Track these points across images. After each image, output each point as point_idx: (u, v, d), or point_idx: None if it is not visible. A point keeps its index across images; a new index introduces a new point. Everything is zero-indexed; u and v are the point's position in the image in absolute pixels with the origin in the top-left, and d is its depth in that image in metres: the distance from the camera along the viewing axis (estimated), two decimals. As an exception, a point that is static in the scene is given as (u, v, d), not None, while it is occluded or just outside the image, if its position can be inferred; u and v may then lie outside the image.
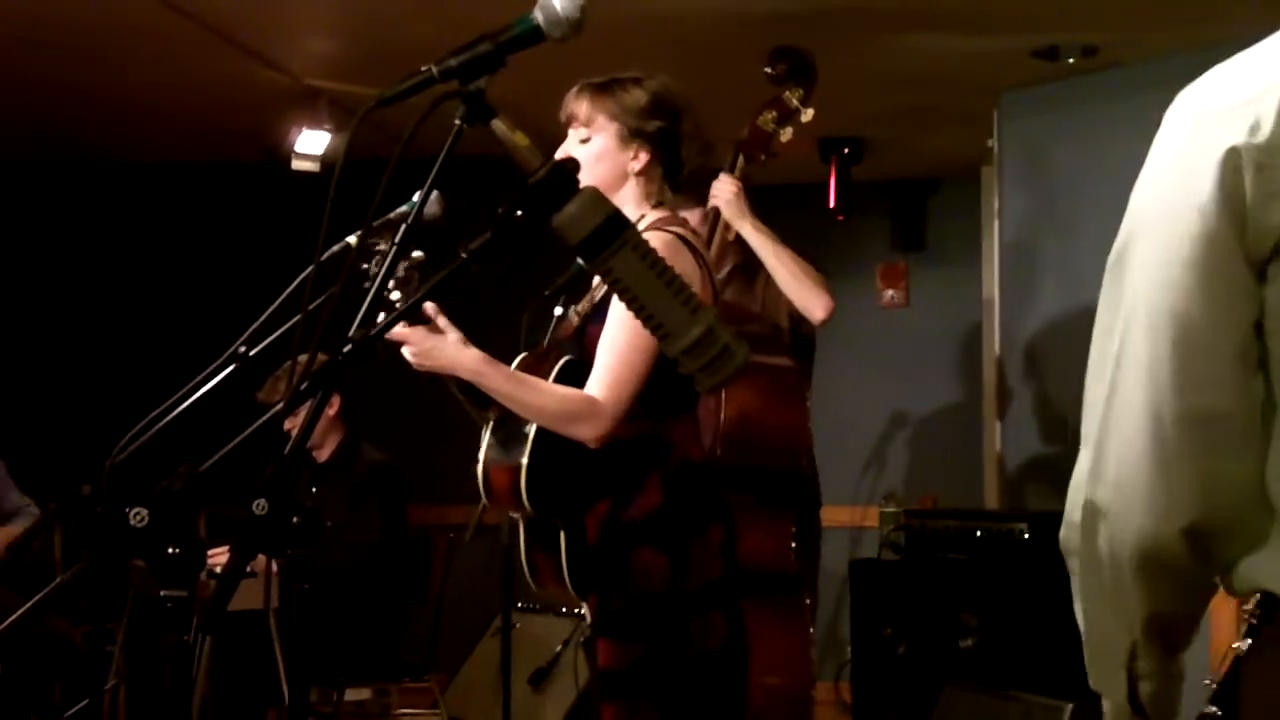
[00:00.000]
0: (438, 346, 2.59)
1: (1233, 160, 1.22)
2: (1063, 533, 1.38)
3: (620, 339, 2.60)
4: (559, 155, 2.74)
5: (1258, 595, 1.32)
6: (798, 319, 4.12)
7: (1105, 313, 1.33)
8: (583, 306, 2.81)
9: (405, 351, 2.60)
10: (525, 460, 2.71)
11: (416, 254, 2.60)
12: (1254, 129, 1.22)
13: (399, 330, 2.54)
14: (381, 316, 1.57)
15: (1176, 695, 1.39)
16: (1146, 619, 1.33)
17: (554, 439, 2.68)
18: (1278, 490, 1.27)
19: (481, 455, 2.79)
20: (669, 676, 2.64)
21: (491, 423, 2.78)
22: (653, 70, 2.82)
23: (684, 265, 2.63)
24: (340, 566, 4.87)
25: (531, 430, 2.72)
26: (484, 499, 2.84)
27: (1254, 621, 1.32)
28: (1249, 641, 1.35)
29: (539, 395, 2.63)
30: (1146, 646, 1.35)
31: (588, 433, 2.61)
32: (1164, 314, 1.26)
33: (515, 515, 2.88)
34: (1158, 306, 1.26)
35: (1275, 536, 1.27)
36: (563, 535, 2.77)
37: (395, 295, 2.58)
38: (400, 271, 2.62)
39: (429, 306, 2.61)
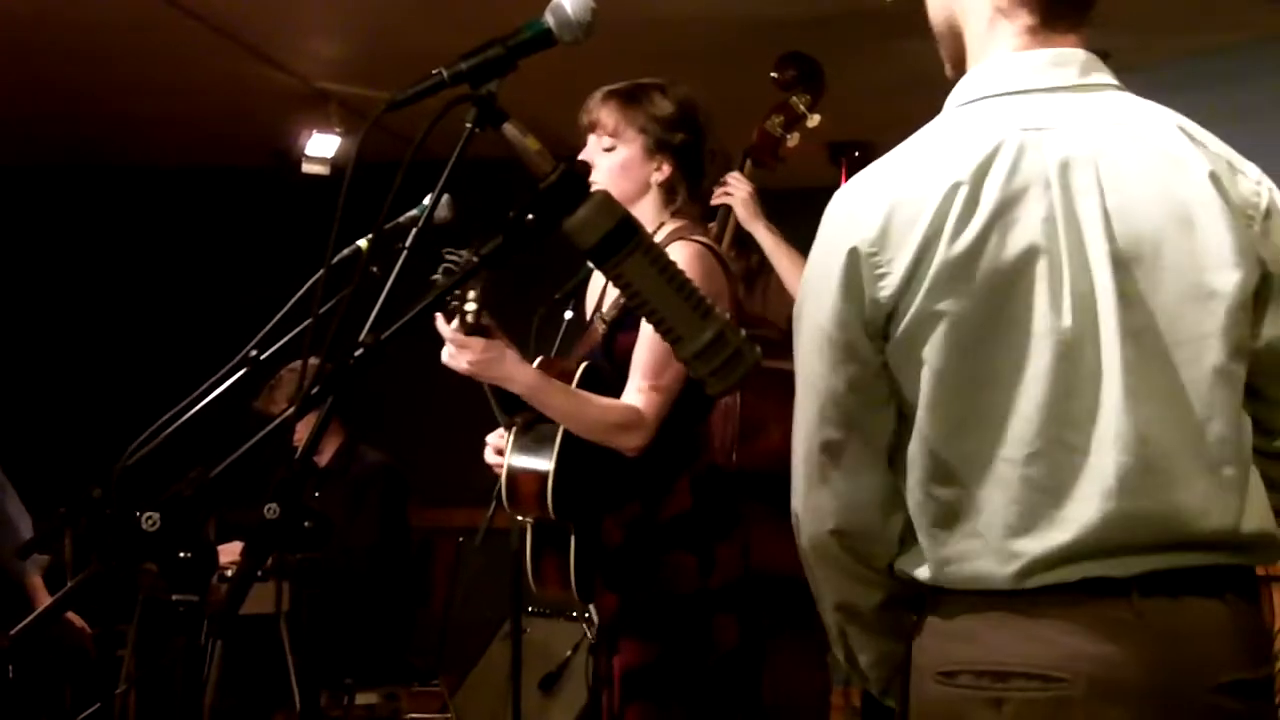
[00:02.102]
0: (498, 360, 2.58)
1: (852, 257, 1.59)
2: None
3: (659, 348, 2.60)
4: (581, 161, 2.73)
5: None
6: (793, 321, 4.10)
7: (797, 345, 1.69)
8: (609, 313, 2.80)
9: (460, 358, 2.58)
10: (552, 467, 2.71)
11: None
12: (867, 228, 1.58)
13: (459, 337, 2.55)
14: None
15: (884, 665, 1.73)
16: (835, 604, 1.72)
17: (580, 445, 2.70)
18: (908, 499, 1.62)
19: (505, 461, 2.78)
20: (691, 676, 2.66)
21: (515, 428, 2.78)
22: (671, 77, 2.82)
23: (717, 278, 2.69)
24: (337, 570, 4.86)
25: (558, 436, 2.72)
26: (505, 504, 2.82)
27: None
28: None
29: (591, 409, 2.65)
30: (851, 627, 1.73)
31: (630, 443, 2.64)
32: (811, 370, 1.64)
33: (524, 518, 2.87)
34: (807, 364, 1.65)
35: (908, 539, 1.64)
36: (573, 538, 2.77)
37: (470, 307, 2.57)
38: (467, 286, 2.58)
39: (486, 320, 2.60)
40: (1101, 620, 1.52)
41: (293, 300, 2.49)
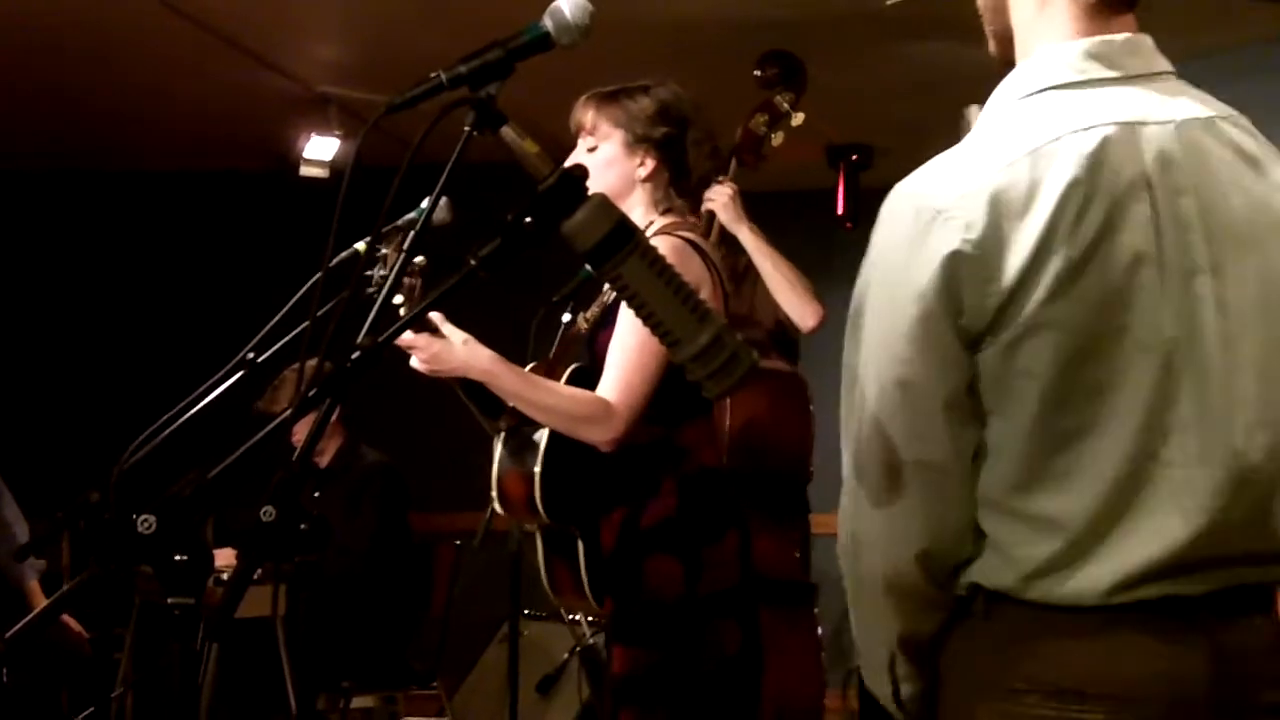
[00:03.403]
0: (446, 350, 2.56)
1: (954, 260, 1.46)
2: (839, 555, 1.62)
3: (631, 342, 2.58)
4: (568, 164, 2.71)
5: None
6: (782, 322, 4.10)
7: (849, 358, 1.58)
8: (591, 313, 2.79)
9: (414, 359, 2.58)
10: (539, 469, 2.69)
11: (419, 259, 2.59)
12: (968, 227, 1.46)
13: (405, 337, 2.51)
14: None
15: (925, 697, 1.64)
16: (899, 636, 1.59)
17: (566, 446, 2.67)
18: (981, 514, 1.53)
19: (495, 465, 2.78)
20: (684, 684, 2.61)
21: (503, 433, 2.77)
22: (661, 77, 2.80)
23: (693, 270, 2.62)
24: (333, 570, 4.86)
25: (544, 439, 2.71)
26: (498, 509, 2.82)
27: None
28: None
29: (551, 396, 2.61)
30: (901, 657, 1.61)
31: (600, 435, 2.58)
32: (891, 380, 1.51)
33: (530, 526, 2.86)
34: (886, 374, 1.51)
35: (985, 551, 1.53)
36: (580, 544, 2.75)
37: (398, 300, 2.57)
38: (404, 279, 2.61)
39: (434, 315, 2.58)
40: (1175, 638, 1.47)
41: (290, 303, 2.48)
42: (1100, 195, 1.46)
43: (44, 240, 7.32)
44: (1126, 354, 1.47)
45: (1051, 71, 1.55)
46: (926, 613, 1.58)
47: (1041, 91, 1.54)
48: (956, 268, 1.46)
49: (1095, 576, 1.47)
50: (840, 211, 6.27)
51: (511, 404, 2.64)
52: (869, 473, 1.55)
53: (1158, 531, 1.47)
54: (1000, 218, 1.46)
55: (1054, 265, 1.44)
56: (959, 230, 1.46)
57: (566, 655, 5.15)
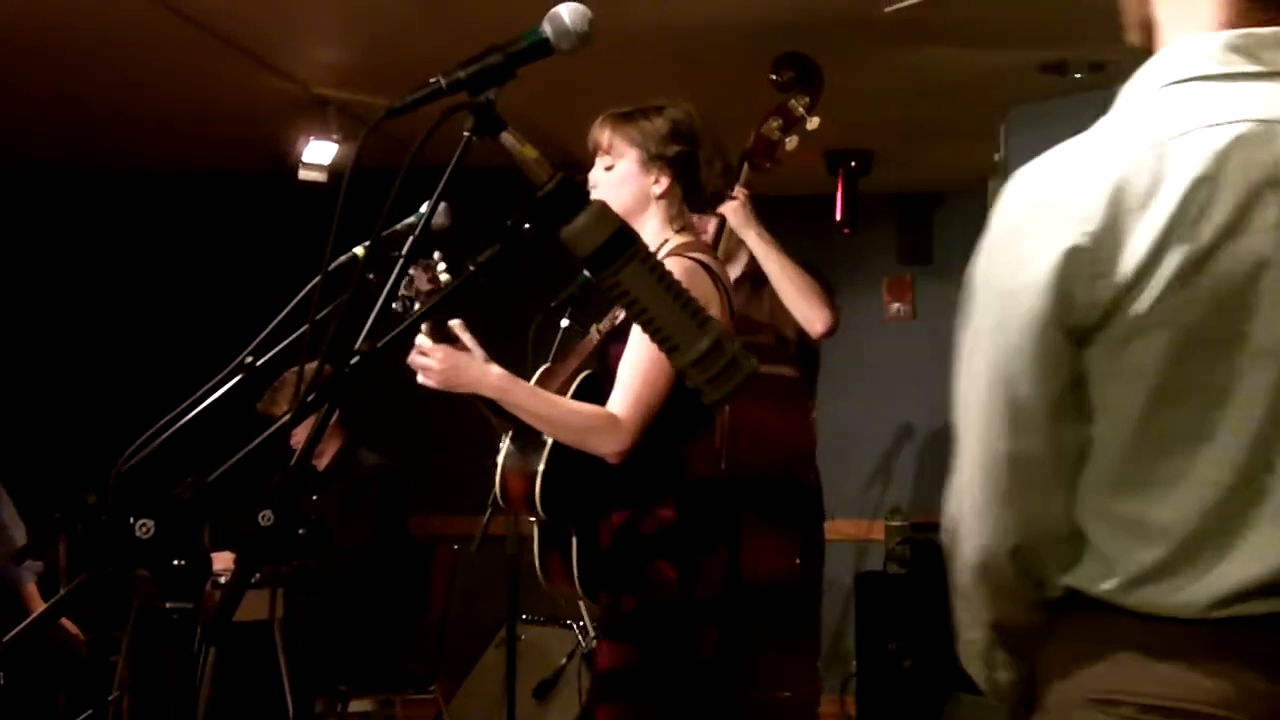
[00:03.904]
0: (462, 366, 2.64)
1: (1068, 255, 1.42)
2: (942, 536, 1.60)
3: (642, 358, 2.65)
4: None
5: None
6: (804, 329, 4.09)
7: (959, 345, 1.54)
8: (604, 325, 2.88)
9: (427, 375, 2.63)
10: (541, 469, 2.78)
11: (442, 271, 2.62)
12: (1085, 220, 1.41)
13: (426, 346, 2.59)
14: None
15: (1025, 685, 1.59)
16: (990, 623, 1.58)
17: (570, 451, 2.75)
18: (1082, 516, 1.49)
19: (500, 461, 2.84)
20: (667, 682, 2.70)
21: (511, 431, 2.83)
22: (673, 96, 2.87)
23: (702, 289, 2.68)
24: (332, 572, 4.86)
25: (550, 440, 2.79)
26: (499, 503, 2.90)
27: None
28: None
29: (561, 411, 2.70)
30: (995, 644, 1.60)
31: (608, 448, 2.67)
32: (999, 369, 1.48)
33: (530, 518, 2.94)
34: (994, 362, 1.48)
35: (1085, 556, 1.49)
36: (574, 539, 2.84)
37: (416, 308, 2.62)
38: (424, 284, 2.65)
39: (454, 323, 2.66)
40: (1277, 657, 1.41)
41: (289, 307, 2.49)
42: (1225, 195, 1.40)
43: (43, 242, 7.32)
44: (1244, 359, 1.41)
45: (1191, 62, 1.48)
46: (1019, 606, 1.55)
47: (1179, 83, 1.47)
48: (1070, 262, 1.41)
49: (1197, 588, 1.43)
50: (839, 217, 6.26)
51: (522, 418, 2.71)
52: (969, 462, 1.52)
53: (1267, 545, 1.41)
54: (1119, 211, 1.41)
55: (1172, 262, 1.39)
56: (1075, 224, 1.42)
57: (564, 660, 5.15)
